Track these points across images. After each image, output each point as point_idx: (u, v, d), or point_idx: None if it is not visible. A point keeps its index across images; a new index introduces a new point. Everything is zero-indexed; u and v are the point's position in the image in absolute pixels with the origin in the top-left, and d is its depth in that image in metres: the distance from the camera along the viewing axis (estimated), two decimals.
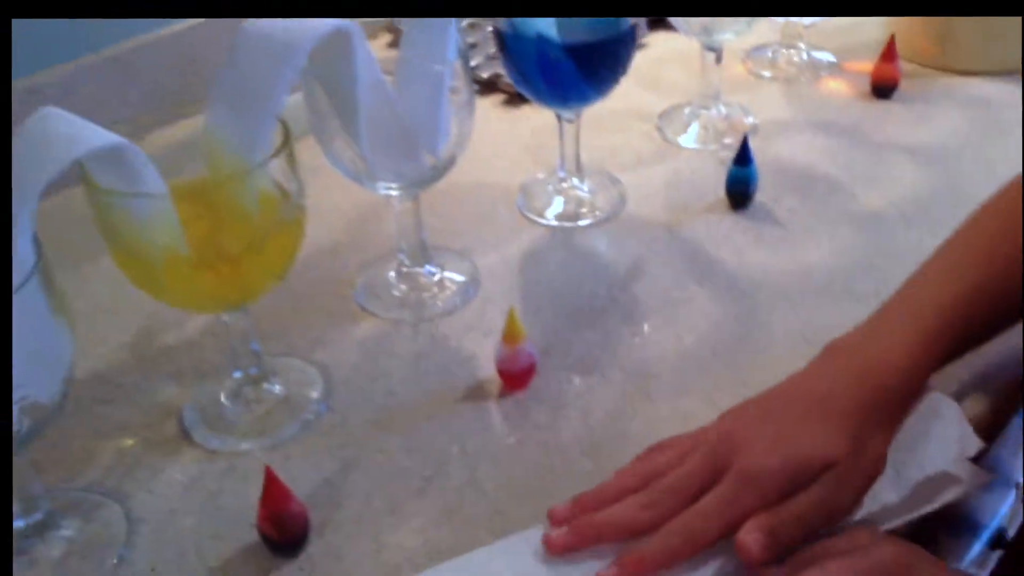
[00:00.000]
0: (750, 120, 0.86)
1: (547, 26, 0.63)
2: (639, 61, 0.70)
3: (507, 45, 0.66)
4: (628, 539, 0.46)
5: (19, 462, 0.49)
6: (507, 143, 0.86)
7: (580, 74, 0.65)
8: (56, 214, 0.72)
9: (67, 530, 0.52)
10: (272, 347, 0.63)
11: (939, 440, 0.51)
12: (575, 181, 0.77)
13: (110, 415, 0.60)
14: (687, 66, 0.93)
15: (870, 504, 0.48)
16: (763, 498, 0.46)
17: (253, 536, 0.51)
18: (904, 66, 0.90)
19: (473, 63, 0.94)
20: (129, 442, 0.58)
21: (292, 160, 0.51)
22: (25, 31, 0.73)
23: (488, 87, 0.93)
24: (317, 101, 0.57)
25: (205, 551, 0.51)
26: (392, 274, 0.69)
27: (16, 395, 0.43)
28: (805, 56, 0.95)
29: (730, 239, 0.72)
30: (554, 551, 0.47)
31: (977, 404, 0.57)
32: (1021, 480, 0.78)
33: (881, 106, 0.88)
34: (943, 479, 0.49)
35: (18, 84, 0.76)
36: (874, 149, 0.82)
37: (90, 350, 0.64)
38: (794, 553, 0.45)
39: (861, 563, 0.42)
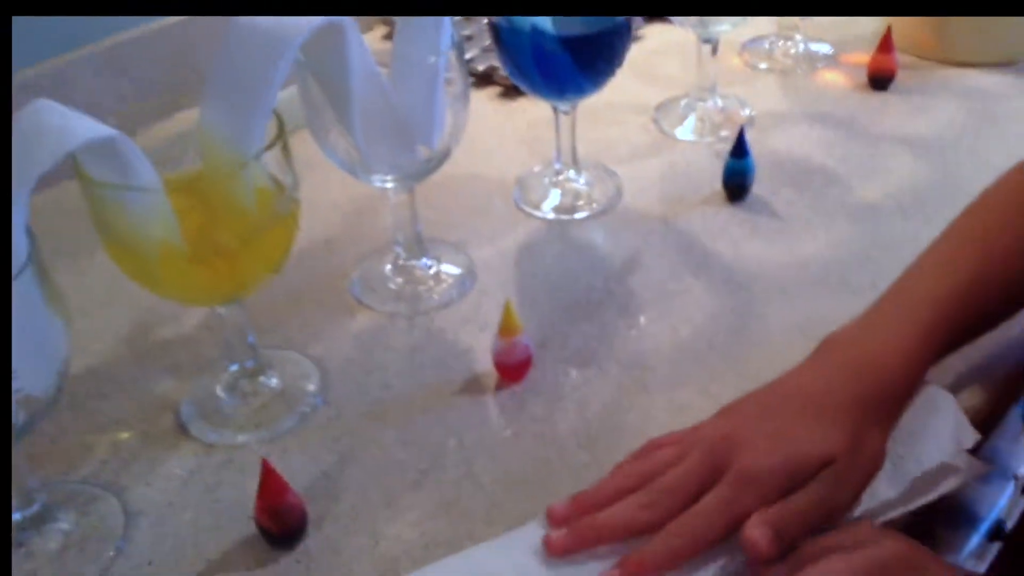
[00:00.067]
0: (746, 112, 0.86)
1: (542, 18, 0.63)
2: (635, 53, 0.70)
3: (502, 37, 0.66)
4: (628, 539, 0.46)
5: (14, 455, 0.49)
6: (503, 136, 0.86)
7: (576, 66, 0.65)
8: (51, 208, 0.72)
9: (64, 523, 0.52)
10: (268, 340, 0.63)
11: (936, 434, 0.51)
12: (571, 174, 0.77)
13: (107, 409, 0.60)
14: (683, 58, 0.93)
15: (868, 500, 0.48)
16: (763, 497, 0.46)
17: (250, 529, 0.51)
18: (901, 58, 0.90)
19: (468, 56, 0.94)
20: (126, 435, 0.58)
21: (287, 153, 0.51)
22: (17, 25, 0.73)
23: (484, 80, 0.93)
24: (311, 94, 0.57)
25: (203, 544, 0.51)
26: (388, 267, 0.69)
27: None
28: (801, 48, 0.95)
29: (726, 231, 0.72)
30: (554, 553, 0.47)
31: (975, 396, 0.57)
32: (1019, 472, 0.79)
33: (878, 98, 0.88)
34: (940, 471, 0.49)
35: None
36: (871, 141, 0.82)
37: (86, 344, 0.64)
38: (795, 550, 0.45)
39: (861, 560, 0.42)
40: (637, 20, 0.99)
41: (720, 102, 0.86)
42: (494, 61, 0.92)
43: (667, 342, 0.62)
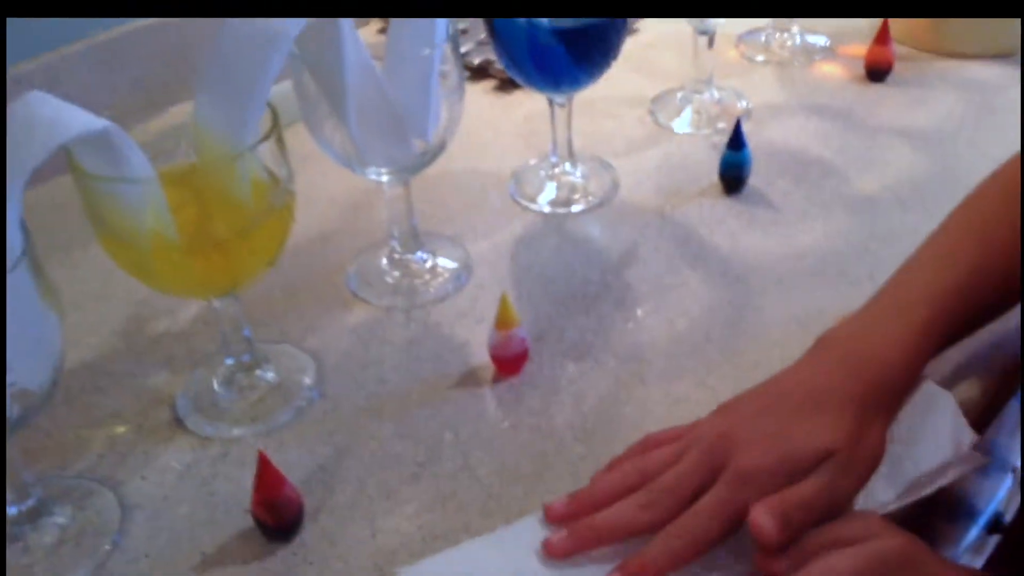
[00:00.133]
0: (743, 104, 0.86)
1: None
2: (631, 46, 0.70)
3: (497, 30, 0.66)
4: (628, 539, 0.46)
5: (9, 450, 0.49)
6: (499, 129, 0.85)
7: (571, 58, 0.65)
8: (45, 203, 0.72)
9: (60, 517, 0.52)
10: (265, 334, 0.63)
11: (934, 435, 0.50)
12: (567, 167, 0.76)
13: (102, 403, 0.60)
14: (680, 50, 0.93)
15: (865, 500, 0.48)
16: (762, 496, 0.45)
17: (247, 522, 0.51)
18: (898, 49, 0.90)
19: (464, 49, 0.93)
20: (122, 429, 0.58)
21: (281, 145, 0.51)
22: (10, 19, 0.73)
23: (479, 73, 0.93)
24: (306, 86, 0.57)
25: (199, 537, 0.51)
26: (384, 261, 0.69)
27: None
28: (798, 40, 0.95)
29: (723, 224, 0.72)
30: (554, 556, 0.46)
31: (972, 387, 0.57)
32: (1018, 464, 0.78)
33: (875, 89, 0.88)
34: (938, 472, 0.49)
35: None
36: (868, 133, 0.82)
37: (82, 338, 0.64)
38: (797, 540, 0.44)
39: (863, 555, 0.42)
40: None
41: (717, 94, 0.86)
42: (490, 55, 0.92)
43: (664, 335, 0.62)
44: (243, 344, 0.59)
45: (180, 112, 0.55)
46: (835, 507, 0.46)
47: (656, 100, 0.88)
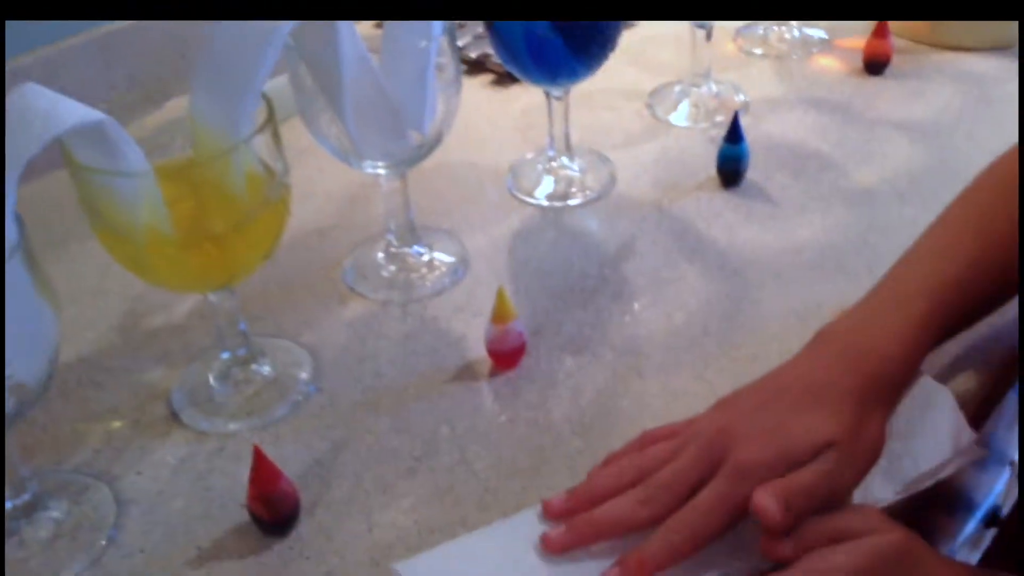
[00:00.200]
0: (741, 98, 0.86)
1: None
2: (629, 39, 0.69)
3: (495, 23, 0.65)
4: (626, 535, 0.46)
5: (6, 444, 0.49)
6: (496, 123, 0.85)
7: (568, 51, 0.65)
8: (41, 198, 0.72)
9: (55, 512, 0.52)
10: (261, 328, 0.63)
11: (933, 432, 0.50)
12: (565, 160, 0.76)
13: (98, 398, 0.59)
14: (677, 44, 0.92)
15: (864, 498, 0.48)
16: None
17: (243, 516, 0.51)
18: (896, 42, 0.89)
19: (461, 43, 0.93)
20: (117, 424, 0.57)
21: (276, 138, 0.51)
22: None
23: (476, 67, 0.92)
24: (302, 79, 0.57)
25: (194, 532, 0.51)
26: (381, 255, 0.69)
27: None
28: (796, 33, 0.95)
29: (721, 217, 0.72)
30: (552, 551, 0.46)
31: (969, 380, 0.57)
32: (1015, 458, 0.78)
33: (873, 82, 0.88)
34: (937, 470, 0.49)
35: None
36: (866, 126, 0.82)
37: (77, 333, 0.64)
38: (798, 528, 0.44)
39: (861, 552, 0.42)
40: None
41: (714, 88, 0.86)
42: (487, 48, 0.92)
43: (661, 328, 0.62)
44: (239, 338, 0.59)
45: (177, 107, 0.55)
46: (835, 497, 0.46)
47: (654, 94, 0.87)
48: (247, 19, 0.47)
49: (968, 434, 0.50)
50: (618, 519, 0.46)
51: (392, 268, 0.68)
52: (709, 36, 0.82)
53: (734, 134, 0.73)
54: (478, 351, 0.60)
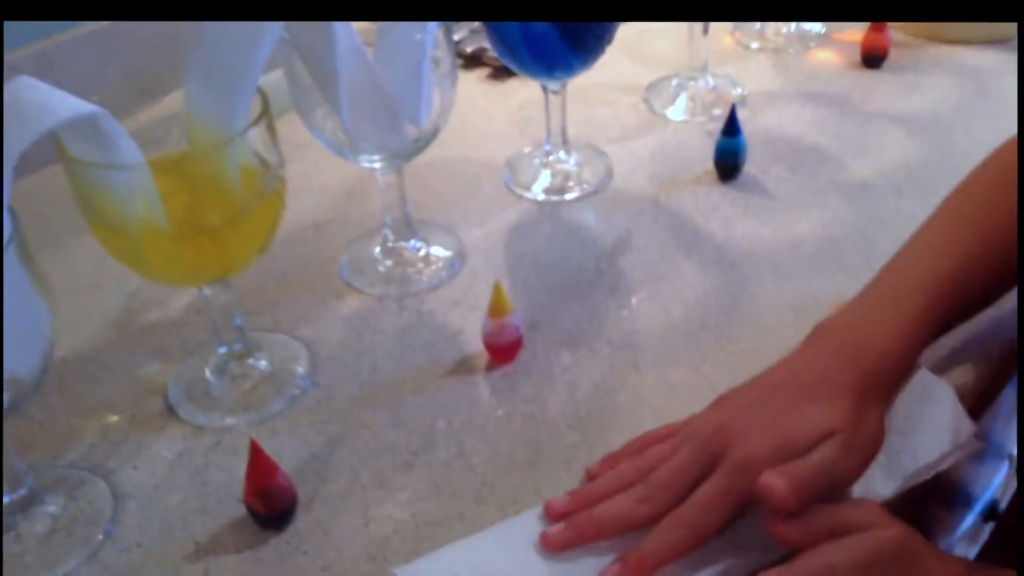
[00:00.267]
0: (738, 91, 0.86)
1: None
2: (625, 33, 0.69)
3: None
4: (626, 533, 0.46)
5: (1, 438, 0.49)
6: (492, 117, 0.85)
7: (565, 44, 0.65)
8: (38, 192, 0.72)
9: (52, 506, 0.52)
10: (258, 323, 0.63)
11: (933, 427, 0.50)
12: (561, 154, 0.76)
13: (95, 392, 0.59)
14: (674, 37, 0.92)
15: (864, 493, 0.48)
16: None
17: (240, 511, 0.51)
18: (894, 36, 0.89)
19: (457, 37, 0.93)
20: (114, 419, 0.57)
21: (272, 131, 0.51)
22: None
23: (473, 61, 0.92)
24: (297, 73, 0.57)
25: (191, 526, 0.51)
26: (377, 249, 0.69)
27: None
28: (794, 27, 0.95)
29: (718, 211, 0.72)
30: (552, 548, 0.46)
31: (967, 373, 0.57)
32: (1014, 452, 0.78)
33: (871, 76, 0.88)
34: (936, 464, 0.49)
35: None
36: (864, 119, 0.82)
37: (74, 327, 0.64)
38: (799, 517, 0.44)
39: (860, 547, 0.42)
40: None
41: (711, 81, 0.86)
42: (483, 42, 0.92)
43: (658, 322, 0.62)
44: (235, 333, 0.59)
45: (172, 101, 0.54)
46: (837, 486, 0.46)
47: (651, 87, 0.87)
48: (247, 19, 0.47)
49: (968, 427, 0.50)
50: (618, 517, 0.46)
51: (388, 262, 0.68)
52: (706, 30, 0.82)
53: (731, 128, 0.73)
54: (475, 345, 0.60)
